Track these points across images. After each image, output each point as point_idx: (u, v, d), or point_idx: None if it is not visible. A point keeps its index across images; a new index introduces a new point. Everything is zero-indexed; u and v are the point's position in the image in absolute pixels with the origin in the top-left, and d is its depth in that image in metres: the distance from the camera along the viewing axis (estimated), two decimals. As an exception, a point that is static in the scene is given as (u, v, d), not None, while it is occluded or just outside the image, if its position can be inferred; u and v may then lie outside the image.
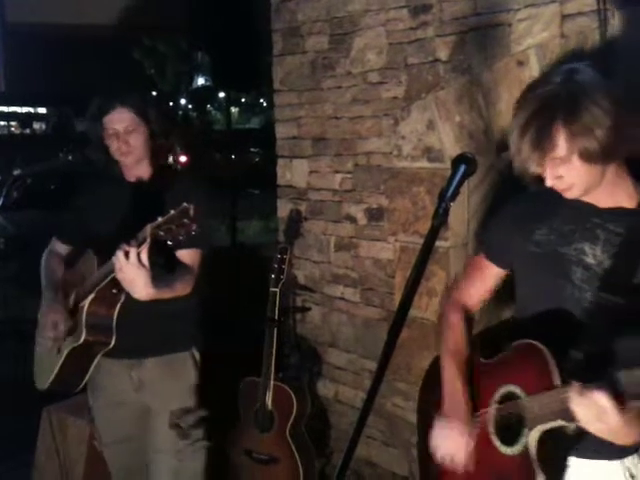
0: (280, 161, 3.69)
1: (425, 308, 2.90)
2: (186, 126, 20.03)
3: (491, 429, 1.59)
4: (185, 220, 1.89)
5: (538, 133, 1.42)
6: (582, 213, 1.57)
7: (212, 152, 15.46)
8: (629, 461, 1.61)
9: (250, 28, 4.45)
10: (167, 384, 2.37)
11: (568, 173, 1.47)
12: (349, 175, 3.29)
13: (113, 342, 2.20)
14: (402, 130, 2.99)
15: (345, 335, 3.41)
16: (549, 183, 1.50)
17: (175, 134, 2.48)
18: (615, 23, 2.21)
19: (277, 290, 3.22)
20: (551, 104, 1.43)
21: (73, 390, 2.37)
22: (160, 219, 1.91)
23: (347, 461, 1.37)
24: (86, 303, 2.17)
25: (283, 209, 3.67)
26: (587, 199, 1.56)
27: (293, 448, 3.13)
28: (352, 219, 3.30)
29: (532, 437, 1.48)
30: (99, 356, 2.26)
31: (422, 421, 1.85)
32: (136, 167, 2.36)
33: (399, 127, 3.00)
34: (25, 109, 28.47)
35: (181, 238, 1.91)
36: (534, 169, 1.48)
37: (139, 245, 1.95)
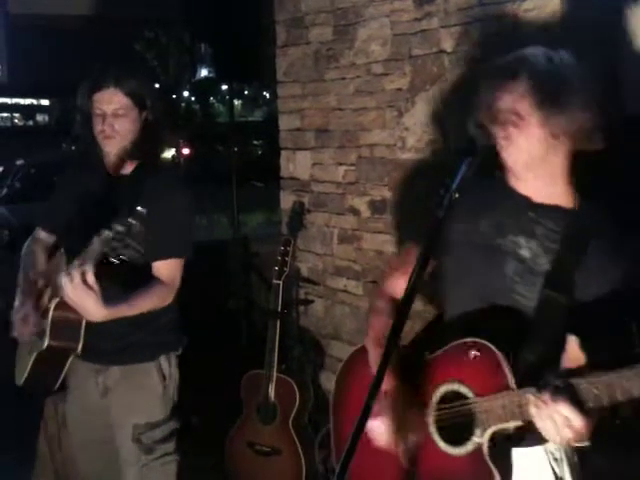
0: (283, 153, 3.68)
1: (430, 300, 2.88)
2: (188, 118, 20.00)
3: (432, 429, 1.54)
4: (128, 240, 1.74)
5: (503, 73, 1.49)
6: (519, 206, 1.58)
7: (215, 144, 15.45)
8: (552, 445, 1.59)
9: (253, 18, 4.43)
10: (130, 395, 2.21)
11: (520, 131, 1.48)
12: (352, 167, 3.28)
13: (80, 349, 2.07)
14: (406, 122, 2.97)
15: (348, 327, 3.40)
16: (500, 136, 1.50)
17: (175, 129, 2.34)
18: (621, 14, 2.19)
19: (280, 282, 3.22)
20: (522, 60, 1.50)
21: (50, 389, 2.25)
22: (107, 232, 1.76)
23: (350, 455, 1.36)
24: (51, 307, 2.03)
25: (286, 201, 3.66)
26: (524, 190, 1.57)
27: (296, 440, 3.13)
28: (355, 211, 3.29)
29: (485, 438, 1.45)
30: (71, 358, 2.13)
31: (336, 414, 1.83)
32: (118, 157, 2.17)
33: (403, 119, 2.99)
34: (28, 101, 28.46)
35: (123, 257, 1.76)
36: (491, 117, 1.49)
37: (83, 264, 1.81)
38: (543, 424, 1.35)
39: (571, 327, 1.50)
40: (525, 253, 1.55)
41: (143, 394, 2.22)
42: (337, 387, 1.85)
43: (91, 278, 1.82)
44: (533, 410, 1.36)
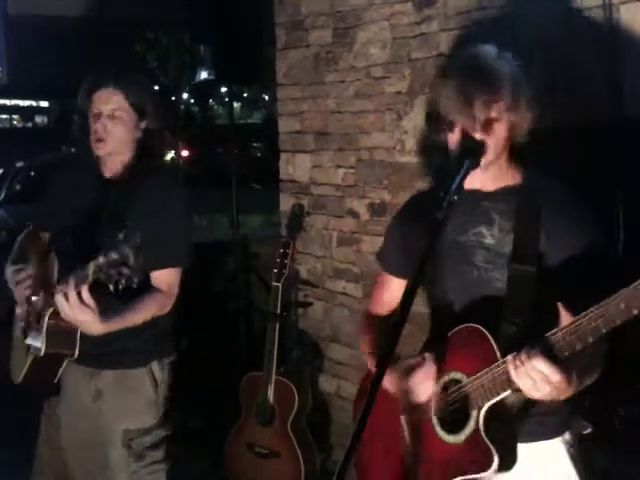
0: (283, 155, 3.69)
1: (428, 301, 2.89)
2: (188, 120, 20.00)
3: (434, 421, 1.56)
4: (124, 270, 1.72)
5: (486, 78, 1.51)
6: (471, 200, 1.62)
7: (214, 146, 15.45)
8: (569, 436, 1.62)
9: (253, 21, 4.43)
10: (121, 400, 2.20)
11: (491, 134, 1.52)
12: (352, 170, 3.28)
13: (76, 354, 2.07)
14: (405, 125, 2.98)
15: (347, 330, 3.40)
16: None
17: (174, 131, 2.29)
18: (620, 18, 2.20)
19: (279, 285, 3.22)
20: (490, 65, 1.54)
21: (48, 387, 2.24)
22: (102, 259, 1.74)
23: (349, 457, 1.36)
24: (47, 314, 2.02)
25: (285, 203, 3.66)
26: (472, 185, 1.60)
27: (294, 442, 3.13)
28: (354, 214, 3.29)
29: (481, 416, 1.47)
30: (66, 361, 2.13)
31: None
32: (113, 161, 2.15)
33: (402, 122, 2.99)
34: (27, 102, 28.43)
35: (120, 286, 1.74)
36: (459, 114, 1.51)
37: (77, 284, 1.82)
38: (523, 383, 1.38)
39: (553, 295, 1.53)
40: (489, 241, 1.60)
41: (135, 399, 2.21)
42: (355, 409, 1.87)
43: (87, 296, 1.83)
44: (512, 371, 1.38)
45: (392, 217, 1.89)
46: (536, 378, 1.35)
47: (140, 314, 2.07)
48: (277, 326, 3.20)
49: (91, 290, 1.84)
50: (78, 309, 1.85)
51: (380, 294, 1.87)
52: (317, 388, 3.55)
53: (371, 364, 1.74)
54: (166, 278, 2.13)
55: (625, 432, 1.90)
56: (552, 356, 1.34)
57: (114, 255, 1.74)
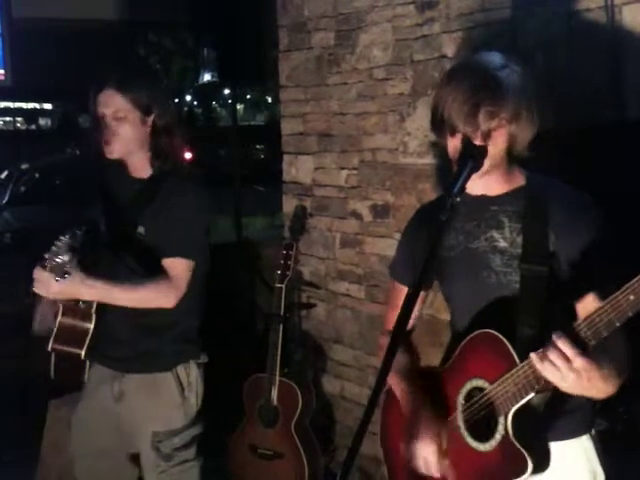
0: (286, 157, 3.69)
1: (431, 304, 2.89)
2: (191, 122, 20.05)
3: (463, 431, 1.56)
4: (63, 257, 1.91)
5: (492, 89, 1.50)
6: (479, 206, 1.63)
7: (217, 148, 15.46)
8: (594, 432, 1.63)
9: (256, 23, 4.44)
10: (147, 404, 2.21)
11: (493, 142, 1.53)
12: (355, 171, 3.29)
13: (83, 355, 2.08)
14: (408, 126, 2.98)
15: (350, 331, 3.41)
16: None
17: (180, 131, 2.26)
18: (622, 19, 2.20)
19: (283, 286, 3.23)
20: (493, 75, 1.53)
21: (75, 383, 2.29)
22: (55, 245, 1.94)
23: (352, 458, 1.37)
24: (59, 312, 2.08)
25: (288, 205, 3.67)
26: (478, 191, 1.61)
27: (298, 444, 3.14)
28: (357, 215, 3.30)
29: (509, 421, 1.46)
30: (88, 361, 2.17)
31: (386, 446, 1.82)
32: (133, 159, 2.20)
33: (405, 123, 3.00)
34: (31, 105, 28.48)
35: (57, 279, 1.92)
36: (464, 119, 1.51)
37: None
38: (549, 373, 1.36)
39: (565, 294, 1.53)
40: (503, 244, 1.60)
41: (161, 403, 2.22)
42: (382, 423, 1.86)
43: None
44: (539, 366, 1.37)
45: (403, 229, 1.89)
46: (562, 367, 1.33)
47: (136, 292, 2.08)
48: (280, 327, 3.21)
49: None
50: (46, 279, 1.94)
51: (395, 307, 1.82)
52: (320, 389, 3.55)
53: (397, 389, 1.73)
54: (173, 268, 2.13)
55: (625, 432, 1.90)
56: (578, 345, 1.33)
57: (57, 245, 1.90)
